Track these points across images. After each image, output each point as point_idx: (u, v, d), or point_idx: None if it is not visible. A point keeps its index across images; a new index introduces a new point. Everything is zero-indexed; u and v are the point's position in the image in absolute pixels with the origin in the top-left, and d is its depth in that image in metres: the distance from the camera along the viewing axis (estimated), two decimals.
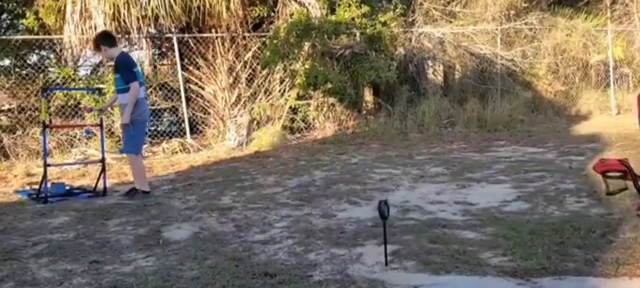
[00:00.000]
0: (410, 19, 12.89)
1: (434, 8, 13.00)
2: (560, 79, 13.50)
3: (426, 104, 11.66)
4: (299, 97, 11.43)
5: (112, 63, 6.39)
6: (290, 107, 11.38)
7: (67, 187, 6.83)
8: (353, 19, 11.50)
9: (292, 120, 11.53)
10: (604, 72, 13.82)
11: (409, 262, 3.66)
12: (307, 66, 11.23)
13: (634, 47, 14.53)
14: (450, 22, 13.02)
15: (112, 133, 10.28)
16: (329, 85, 10.90)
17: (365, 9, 11.50)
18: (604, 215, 4.57)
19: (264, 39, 11.54)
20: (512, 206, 5.11)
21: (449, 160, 7.93)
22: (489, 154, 8.45)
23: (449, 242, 4.02)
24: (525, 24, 13.05)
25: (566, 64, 13.49)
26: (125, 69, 6.24)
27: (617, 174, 3.07)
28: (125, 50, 12.05)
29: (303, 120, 11.60)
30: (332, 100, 11.46)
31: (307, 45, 11.41)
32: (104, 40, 6.46)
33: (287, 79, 11.53)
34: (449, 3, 13.16)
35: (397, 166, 7.66)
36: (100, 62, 12.00)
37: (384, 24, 11.80)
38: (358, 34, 11.62)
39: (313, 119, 11.59)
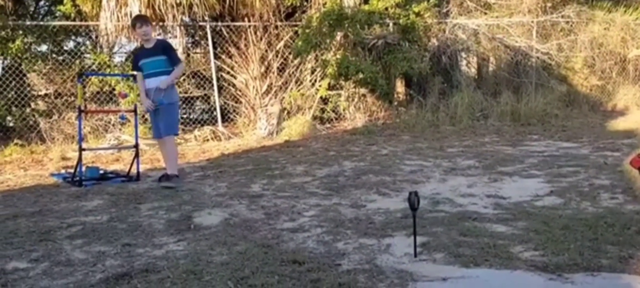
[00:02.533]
0: (444, 10, 12.76)
1: None
2: (597, 74, 13.22)
3: (459, 96, 11.53)
4: (330, 87, 11.43)
5: (149, 44, 6.34)
6: (320, 97, 11.38)
7: (102, 171, 6.96)
8: (386, 8, 11.44)
9: (323, 111, 11.54)
10: None
11: (438, 254, 3.64)
12: (338, 56, 11.21)
13: None
14: (485, 13, 12.84)
15: (146, 119, 10.43)
16: (361, 76, 10.87)
17: None
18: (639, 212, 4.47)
19: (296, 28, 11.56)
20: (545, 201, 5.03)
21: (481, 153, 7.84)
22: (522, 148, 8.33)
23: (479, 235, 3.98)
24: (562, 16, 12.80)
25: (603, 58, 13.21)
26: (174, 51, 6.49)
27: None
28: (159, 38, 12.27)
29: (333, 111, 11.61)
30: (363, 90, 11.43)
31: (339, 35, 11.40)
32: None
33: (318, 69, 11.53)
34: None
35: (427, 158, 7.60)
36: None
37: (418, 14, 11.71)
38: (391, 24, 11.56)
39: (343, 110, 11.58)
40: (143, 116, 10.23)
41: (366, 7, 11.42)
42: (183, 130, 10.64)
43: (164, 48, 6.28)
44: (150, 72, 6.24)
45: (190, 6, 10.46)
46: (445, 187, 5.74)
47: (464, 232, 4.07)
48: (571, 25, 12.99)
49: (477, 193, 5.40)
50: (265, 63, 11.58)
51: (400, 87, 12.72)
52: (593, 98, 13.06)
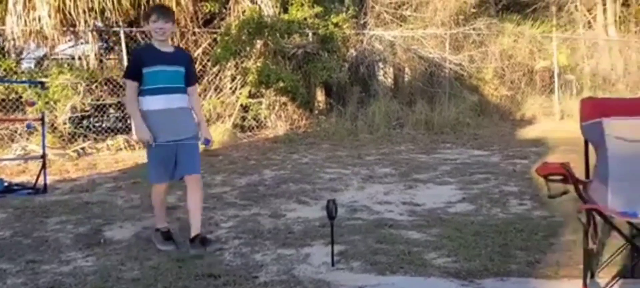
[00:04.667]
0: (362, 21, 12.97)
1: (385, 11, 13.12)
2: (507, 84, 13.83)
3: (376, 105, 11.75)
4: (250, 95, 11.34)
5: (165, 47, 4.24)
6: (241, 105, 11.27)
7: (6, 183, 6.57)
8: (305, 18, 11.49)
9: (243, 119, 11.44)
10: (548, 78, 14.24)
11: (355, 262, 3.67)
12: (259, 64, 11.15)
13: (577, 54, 15.06)
14: (401, 25, 13.16)
15: (55, 128, 9.96)
16: (281, 84, 10.86)
17: (317, 9, 11.51)
18: (546, 217, 4.69)
19: (215, 35, 11.41)
20: (457, 207, 5.19)
21: (397, 161, 8.01)
22: (436, 156, 8.57)
23: (395, 243, 4.05)
24: (474, 29, 13.31)
25: (512, 69, 13.84)
26: (195, 67, 4.84)
27: (559, 178, 3.14)
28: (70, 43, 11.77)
29: (254, 119, 11.52)
30: (284, 99, 11.43)
31: (259, 43, 11.35)
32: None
33: (238, 77, 11.42)
34: (399, 7, 13.32)
35: (346, 166, 7.68)
36: (45, 55, 11.64)
37: (336, 25, 11.84)
38: (310, 34, 11.62)
39: (265, 118, 11.52)
40: (52, 125, 9.77)
41: (286, 17, 11.43)
42: (95, 139, 10.23)
43: (187, 60, 4.41)
44: (165, 85, 4.12)
45: (103, 11, 10.11)
46: (363, 195, 5.81)
47: (381, 240, 4.13)
48: (482, 38, 13.53)
49: (393, 201, 5.50)
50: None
51: (320, 95, 12.80)
52: (503, 107, 13.65)
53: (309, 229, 4.50)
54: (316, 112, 11.99)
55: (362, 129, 11.16)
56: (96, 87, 11.03)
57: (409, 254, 3.77)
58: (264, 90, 11.28)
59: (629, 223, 3.18)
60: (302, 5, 11.46)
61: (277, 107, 11.54)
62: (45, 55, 11.63)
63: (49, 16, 9.75)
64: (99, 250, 4.03)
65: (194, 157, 4.25)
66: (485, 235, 4.16)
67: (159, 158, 4.16)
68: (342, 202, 5.31)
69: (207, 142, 4.32)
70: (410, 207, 5.22)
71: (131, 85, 4.13)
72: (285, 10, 11.70)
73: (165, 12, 4.28)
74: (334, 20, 11.82)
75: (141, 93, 4.12)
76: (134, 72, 4.12)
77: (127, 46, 10.85)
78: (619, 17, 17.53)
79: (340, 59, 12.01)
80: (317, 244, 4.08)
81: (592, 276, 3.17)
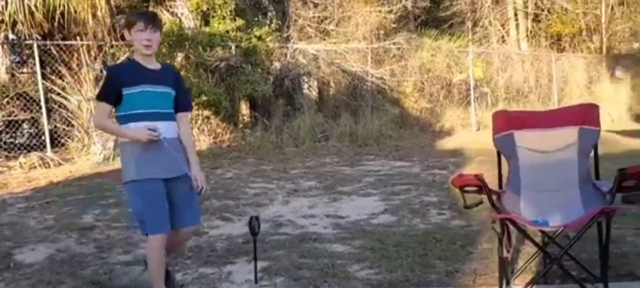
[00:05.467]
0: (285, 35, 13.03)
1: (308, 25, 13.25)
2: (426, 97, 14.24)
3: (301, 119, 11.81)
4: None
5: (150, 63, 3.45)
6: None
7: None
8: (227, 31, 11.41)
9: None
10: (465, 91, 14.77)
11: (278, 278, 3.64)
12: None
13: (492, 67, 15.75)
14: (324, 39, 13.32)
15: None
16: (204, 97, 10.71)
17: (239, 22, 11.47)
18: (464, 227, 4.83)
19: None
20: (380, 218, 5.27)
21: (322, 174, 8.05)
22: (359, 168, 8.68)
23: (319, 256, 4.06)
24: (394, 43, 13.65)
25: (431, 83, 14.27)
26: (187, 90, 4.15)
27: (474, 189, 3.25)
28: None
29: None
30: (207, 112, 11.26)
31: (180, 56, 11.16)
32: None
33: None
34: (322, 21, 13.49)
35: (271, 180, 7.65)
36: None
37: (260, 38, 11.83)
38: (233, 47, 11.54)
39: None
40: None
41: (207, 29, 11.31)
42: (6, 157, 9.72)
43: (177, 79, 3.57)
44: (150, 110, 3.27)
45: (15, 23, 9.65)
46: (288, 209, 5.80)
47: (305, 254, 4.13)
48: (402, 52, 13.89)
49: (317, 214, 5.52)
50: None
51: (245, 109, 12.72)
52: (423, 119, 14.04)
53: (232, 246, 4.44)
54: (241, 125, 11.89)
55: (288, 142, 11.18)
56: (8, 102, 10.50)
57: (332, 267, 3.79)
58: None
59: (541, 231, 3.32)
60: (224, 18, 11.38)
61: (199, 121, 11.35)
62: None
63: None
64: (8, 275, 3.82)
65: (193, 203, 3.35)
66: (406, 246, 4.23)
67: (150, 198, 3.16)
68: (266, 216, 5.29)
69: (200, 191, 3.30)
70: (334, 220, 5.25)
71: (103, 109, 3.29)
72: (207, 23, 11.58)
73: (152, 20, 3.40)
74: (257, 33, 11.81)
75: (120, 119, 3.26)
76: (109, 93, 3.27)
77: (41, 59, 10.40)
78: (531, 32, 18.54)
79: (265, 72, 12.00)
80: (240, 261, 4.03)
81: (508, 283, 3.28)
